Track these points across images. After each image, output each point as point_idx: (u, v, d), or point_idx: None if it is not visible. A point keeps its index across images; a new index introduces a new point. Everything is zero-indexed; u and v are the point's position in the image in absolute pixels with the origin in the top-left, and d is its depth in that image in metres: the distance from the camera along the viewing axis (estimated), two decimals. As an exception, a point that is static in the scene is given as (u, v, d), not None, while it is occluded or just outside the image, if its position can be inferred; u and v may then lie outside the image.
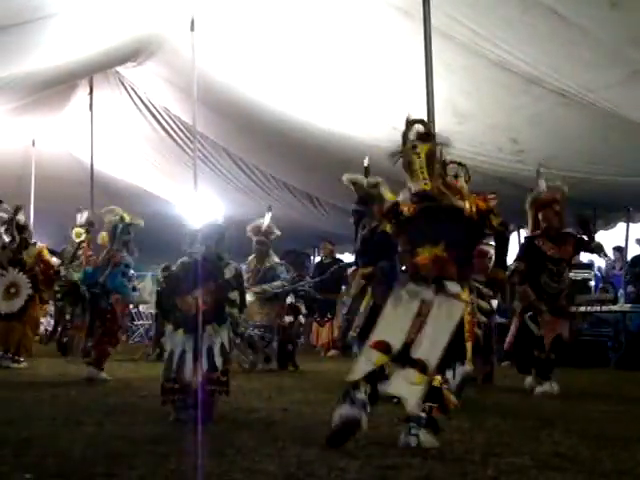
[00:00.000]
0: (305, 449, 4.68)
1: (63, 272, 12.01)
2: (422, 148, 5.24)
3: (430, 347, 4.87)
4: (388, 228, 5.41)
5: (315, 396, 7.70)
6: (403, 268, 5.47)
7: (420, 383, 4.79)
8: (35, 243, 11.78)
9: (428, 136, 5.36)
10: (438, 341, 4.89)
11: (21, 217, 11.63)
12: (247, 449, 4.68)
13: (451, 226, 5.15)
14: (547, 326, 8.32)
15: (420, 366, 4.82)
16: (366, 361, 4.98)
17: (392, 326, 5.01)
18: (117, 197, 18.91)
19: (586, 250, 9.15)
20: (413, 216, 5.18)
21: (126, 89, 15.53)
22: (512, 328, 8.85)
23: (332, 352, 15.05)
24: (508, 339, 8.85)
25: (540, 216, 8.53)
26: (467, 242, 5.28)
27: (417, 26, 8.01)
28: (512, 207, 10.09)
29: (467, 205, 5.18)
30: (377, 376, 4.99)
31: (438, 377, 4.91)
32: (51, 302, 14.02)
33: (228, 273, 6.27)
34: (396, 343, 4.89)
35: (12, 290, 11.18)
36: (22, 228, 11.51)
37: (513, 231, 15.67)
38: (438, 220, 5.14)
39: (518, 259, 8.62)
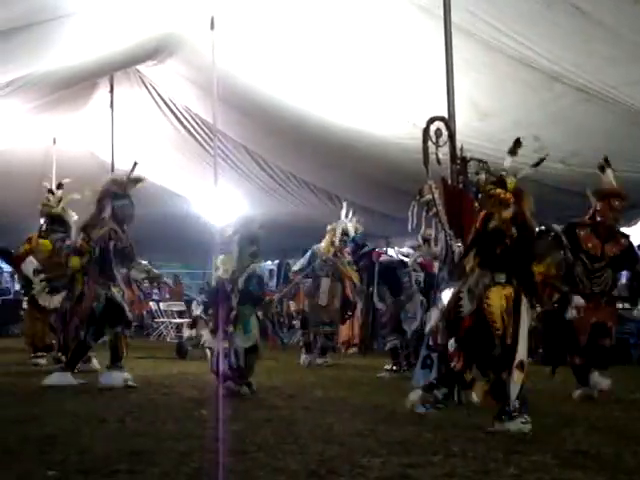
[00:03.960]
0: (327, 446, 4.68)
1: None
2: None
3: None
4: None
5: (336, 394, 7.70)
6: None
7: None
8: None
9: None
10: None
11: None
12: (269, 447, 4.69)
13: None
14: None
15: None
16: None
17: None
18: (137, 195, 18.99)
19: (630, 269, 8.28)
20: None
21: (147, 87, 15.57)
22: None
23: (352, 350, 15.03)
24: None
25: (598, 207, 7.75)
26: None
27: (438, 23, 7.98)
28: (533, 204, 10.04)
29: None
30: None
31: None
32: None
33: None
34: None
35: None
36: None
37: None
38: None
39: None
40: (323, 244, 11.72)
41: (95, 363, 9.98)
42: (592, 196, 7.84)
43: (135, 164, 9.59)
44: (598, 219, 7.73)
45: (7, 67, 11.03)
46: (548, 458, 4.39)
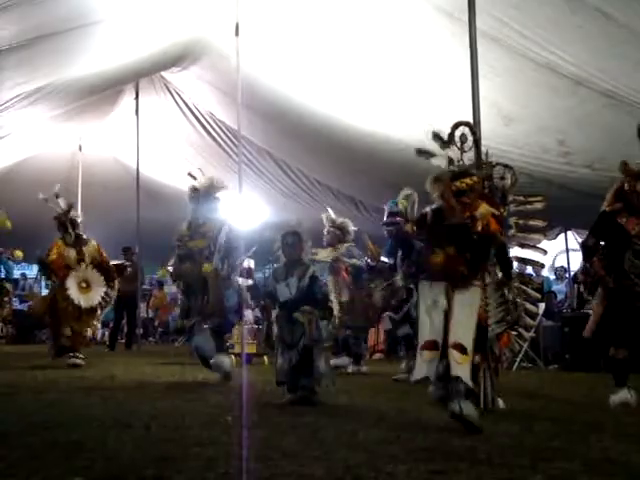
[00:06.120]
0: (352, 453, 4.66)
1: None
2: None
3: (462, 331, 5.64)
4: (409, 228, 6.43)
5: (361, 399, 7.68)
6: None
7: (464, 362, 5.58)
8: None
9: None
10: (467, 325, 5.69)
11: (74, 213, 11.82)
12: (293, 453, 4.67)
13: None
14: None
15: (460, 348, 5.59)
16: (421, 362, 5.76)
17: (432, 326, 5.74)
18: (162, 201, 19.13)
19: None
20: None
21: (171, 94, 15.67)
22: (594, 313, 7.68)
23: (377, 355, 15.01)
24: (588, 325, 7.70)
25: (626, 186, 7.23)
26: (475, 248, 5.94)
27: (462, 29, 7.98)
28: (559, 209, 9.99)
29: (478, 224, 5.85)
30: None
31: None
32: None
33: None
34: (439, 339, 5.65)
35: (83, 285, 11.46)
36: (76, 225, 11.70)
37: (559, 233, 15.55)
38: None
39: (590, 235, 7.55)
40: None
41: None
42: (624, 175, 7.33)
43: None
44: (630, 200, 7.21)
45: (35, 74, 11.15)
46: (576, 465, 4.35)
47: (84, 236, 11.86)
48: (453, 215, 5.88)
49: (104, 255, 12.11)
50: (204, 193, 9.41)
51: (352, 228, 11.61)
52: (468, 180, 6.06)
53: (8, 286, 17.73)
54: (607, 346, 7.33)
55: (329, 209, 11.98)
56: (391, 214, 10.63)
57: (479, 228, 5.87)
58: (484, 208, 5.96)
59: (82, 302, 11.42)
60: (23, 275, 24.90)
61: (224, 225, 9.27)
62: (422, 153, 6.32)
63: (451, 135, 6.53)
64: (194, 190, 9.45)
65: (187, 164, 17.42)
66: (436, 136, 6.29)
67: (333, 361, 10.51)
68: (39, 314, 12.30)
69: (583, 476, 4.11)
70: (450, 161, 6.24)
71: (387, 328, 10.15)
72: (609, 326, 7.24)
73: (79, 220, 11.98)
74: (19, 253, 12.84)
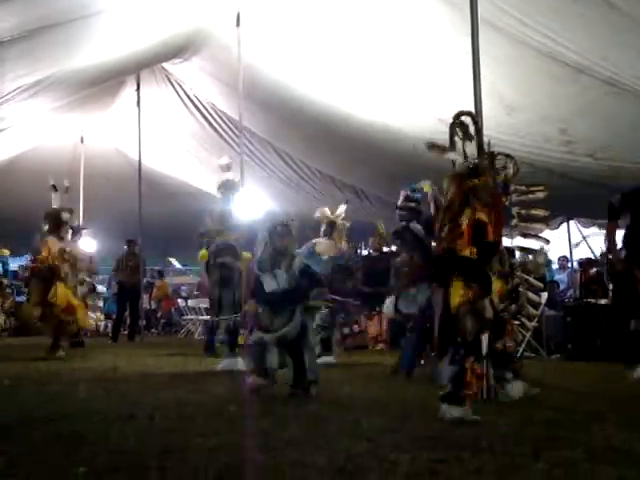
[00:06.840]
0: (355, 442, 4.66)
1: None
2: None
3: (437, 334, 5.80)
4: None
5: (363, 389, 7.68)
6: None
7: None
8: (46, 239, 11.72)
9: None
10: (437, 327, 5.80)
11: (65, 215, 11.66)
12: (297, 443, 4.67)
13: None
14: None
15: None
16: None
17: None
18: (164, 192, 19.12)
19: None
20: None
21: (172, 85, 15.65)
22: None
23: (380, 345, 15.02)
24: None
25: None
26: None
27: (464, 17, 7.94)
28: (561, 198, 9.97)
29: None
30: None
31: None
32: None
33: None
34: None
35: None
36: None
37: (562, 223, 15.55)
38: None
39: (620, 196, 7.77)
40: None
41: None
42: None
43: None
44: None
45: (36, 66, 11.14)
46: (578, 454, 4.35)
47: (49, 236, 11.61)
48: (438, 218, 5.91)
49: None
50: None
51: (343, 222, 11.48)
52: (476, 181, 5.97)
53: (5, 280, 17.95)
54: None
55: (344, 204, 11.75)
56: (408, 199, 10.51)
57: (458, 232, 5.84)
58: (467, 215, 5.87)
59: None
60: (22, 267, 24.94)
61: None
62: (434, 148, 6.09)
63: (453, 125, 6.51)
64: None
65: (189, 155, 17.46)
66: (432, 146, 6.11)
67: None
68: None
69: (585, 464, 4.11)
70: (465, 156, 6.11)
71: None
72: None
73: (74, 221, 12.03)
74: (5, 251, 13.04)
